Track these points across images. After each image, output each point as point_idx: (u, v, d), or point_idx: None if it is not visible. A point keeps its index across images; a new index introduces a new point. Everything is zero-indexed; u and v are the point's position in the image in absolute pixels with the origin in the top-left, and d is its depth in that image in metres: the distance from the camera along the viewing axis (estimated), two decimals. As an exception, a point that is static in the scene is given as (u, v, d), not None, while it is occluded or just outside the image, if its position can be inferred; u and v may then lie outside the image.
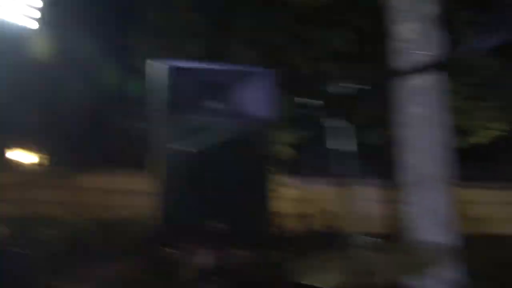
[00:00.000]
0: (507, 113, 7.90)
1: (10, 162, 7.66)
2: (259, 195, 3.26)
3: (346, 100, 2.66)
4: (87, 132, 7.17)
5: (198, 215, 3.14)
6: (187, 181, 3.18)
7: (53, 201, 7.25)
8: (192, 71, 3.33)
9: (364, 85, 2.60)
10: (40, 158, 7.75)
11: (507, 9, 4.21)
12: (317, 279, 2.63)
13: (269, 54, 7.37)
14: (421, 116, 4.14)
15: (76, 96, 6.91)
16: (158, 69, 3.25)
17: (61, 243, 6.32)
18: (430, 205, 4.12)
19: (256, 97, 3.27)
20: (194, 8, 7.29)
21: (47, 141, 7.50)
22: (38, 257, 5.72)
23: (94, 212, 6.91)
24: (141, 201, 6.64)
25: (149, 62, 3.30)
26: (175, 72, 3.21)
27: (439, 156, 4.20)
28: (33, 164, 7.72)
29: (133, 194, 6.92)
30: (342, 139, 2.78)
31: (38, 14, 5.99)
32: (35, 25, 6.00)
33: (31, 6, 5.94)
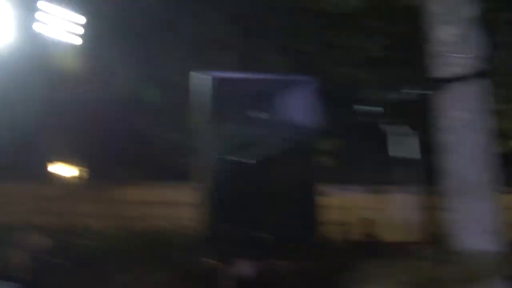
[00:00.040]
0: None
1: (52, 176, 7.82)
2: (305, 205, 3.22)
3: (407, 106, 2.61)
4: (125, 145, 7.25)
5: (243, 225, 3.12)
6: (232, 191, 3.17)
7: (93, 213, 7.35)
8: (235, 82, 3.33)
9: (413, 90, 2.55)
10: (80, 171, 7.88)
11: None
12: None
13: (302, 62, 7.34)
14: (464, 120, 4.03)
15: (115, 110, 7.01)
16: (201, 80, 3.25)
17: (100, 254, 6.39)
18: (475, 212, 4.00)
19: (299, 106, 3.24)
20: (227, 20, 7.33)
21: (87, 155, 7.62)
22: (78, 267, 5.80)
23: (133, 224, 6.98)
24: (180, 212, 6.68)
25: (192, 74, 3.30)
26: (218, 83, 3.21)
27: (484, 161, 4.08)
28: (74, 178, 7.85)
29: (172, 205, 6.96)
30: (402, 146, 2.73)
31: (81, 30, 6.07)
32: (78, 41, 6.08)
33: (74, 23, 6.02)
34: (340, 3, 7.17)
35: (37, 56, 5.79)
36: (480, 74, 3.70)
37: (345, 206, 7.50)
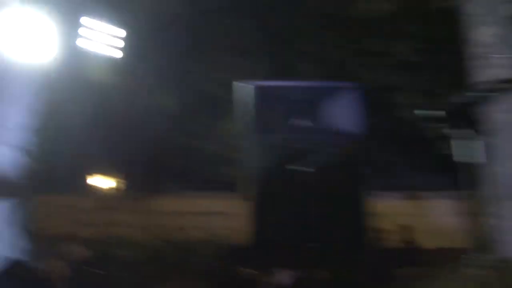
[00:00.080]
0: None
1: (90, 188, 7.94)
2: (354, 212, 3.17)
3: (469, 109, 2.54)
4: (163, 156, 7.31)
5: (289, 234, 3.09)
6: (279, 200, 3.14)
7: (130, 223, 7.42)
8: (277, 89, 3.31)
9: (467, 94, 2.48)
10: (118, 182, 7.97)
11: None
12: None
13: (334, 68, 7.29)
14: (511, 123, 3.92)
15: (153, 121, 7.08)
16: (243, 90, 3.24)
17: (138, 264, 6.43)
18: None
19: (344, 113, 3.20)
20: (259, 28, 7.34)
21: (125, 167, 7.71)
22: (116, 277, 5.85)
23: (170, 234, 7.01)
24: (217, 222, 6.68)
25: (235, 83, 3.30)
26: (261, 91, 3.19)
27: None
28: (111, 189, 7.95)
29: (209, 215, 6.97)
30: (465, 149, 2.66)
31: (121, 44, 6.12)
32: (119, 54, 6.12)
33: (115, 36, 6.08)
34: (371, 8, 7.09)
35: (80, 70, 5.86)
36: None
37: (383, 213, 7.38)
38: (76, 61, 5.73)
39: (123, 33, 6.09)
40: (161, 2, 6.54)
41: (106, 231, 7.44)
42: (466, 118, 2.56)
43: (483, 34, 4.17)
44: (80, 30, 5.86)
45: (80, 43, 5.86)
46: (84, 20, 5.87)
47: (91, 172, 7.84)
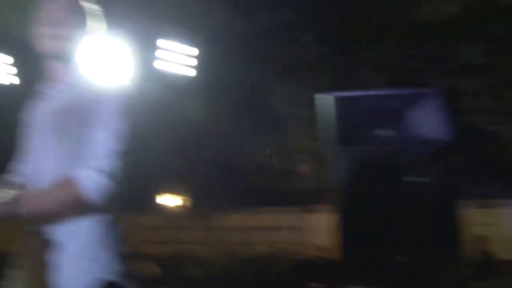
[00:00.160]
0: None
1: (159, 206, 8.09)
2: (447, 223, 3.03)
3: None
4: (228, 173, 7.34)
5: (378, 248, 2.99)
6: (366, 212, 3.04)
7: (198, 240, 7.49)
8: (359, 99, 3.24)
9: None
10: (184, 201, 8.09)
11: None
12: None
13: (400, 75, 7.11)
14: None
15: (218, 138, 7.13)
16: (324, 101, 3.18)
17: (208, 281, 6.47)
18: None
19: (428, 120, 3.07)
20: (321, 40, 7.28)
21: (190, 185, 7.81)
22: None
23: (238, 250, 7.01)
24: (285, 237, 6.62)
25: (317, 95, 3.25)
26: (342, 102, 3.13)
27: None
28: (178, 207, 8.07)
29: (276, 230, 6.93)
30: None
31: (194, 62, 6.20)
32: (192, 73, 6.21)
33: (188, 55, 6.18)
34: (435, 12, 6.89)
35: (157, 91, 5.94)
36: None
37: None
38: (153, 83, 5.84)
39: (195, 51, 6.18)
40: (227, 19, 6.58)
41: (175, 249, 7.54)
42: None
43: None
44: (157, 52, 6.00)
45: (157, 65, 6.00)
46: (160, 42, 6.01)
47: (160, 191, 7.99)
